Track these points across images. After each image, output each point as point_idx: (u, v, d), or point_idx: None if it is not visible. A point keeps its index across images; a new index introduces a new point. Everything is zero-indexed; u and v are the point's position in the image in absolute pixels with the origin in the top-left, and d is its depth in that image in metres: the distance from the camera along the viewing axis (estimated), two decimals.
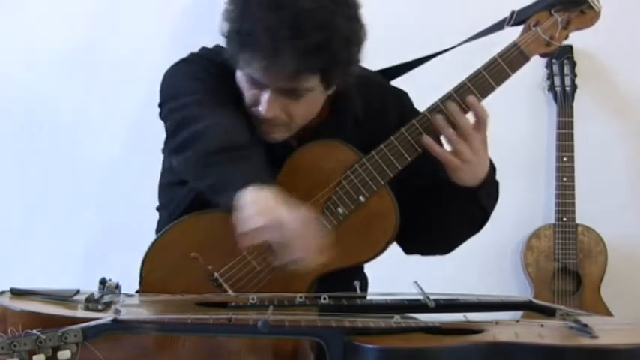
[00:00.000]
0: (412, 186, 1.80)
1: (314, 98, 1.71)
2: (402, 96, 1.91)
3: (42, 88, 2.88)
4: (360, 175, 1.73)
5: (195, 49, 1.85)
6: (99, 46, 2.87)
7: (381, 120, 1.79)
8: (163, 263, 1.73)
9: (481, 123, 1.74)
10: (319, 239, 1.54)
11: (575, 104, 2.99)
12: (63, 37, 2.85)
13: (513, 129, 3.04)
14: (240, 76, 1.72)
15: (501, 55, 1.77)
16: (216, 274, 1.71)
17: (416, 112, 1.80)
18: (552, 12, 1.80)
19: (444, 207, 1.81)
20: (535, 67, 3.05)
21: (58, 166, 2.86)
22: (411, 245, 1.90)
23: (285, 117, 1.70)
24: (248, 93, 1.71)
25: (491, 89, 1.76)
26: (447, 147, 1.76)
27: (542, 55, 1.83)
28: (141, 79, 2.69)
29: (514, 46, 1.78)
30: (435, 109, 1.75)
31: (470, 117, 1.76)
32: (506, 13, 1.82)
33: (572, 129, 2.96)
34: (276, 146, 1.75)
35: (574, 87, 3.00)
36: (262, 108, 1.68)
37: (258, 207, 1.51)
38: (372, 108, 1.84)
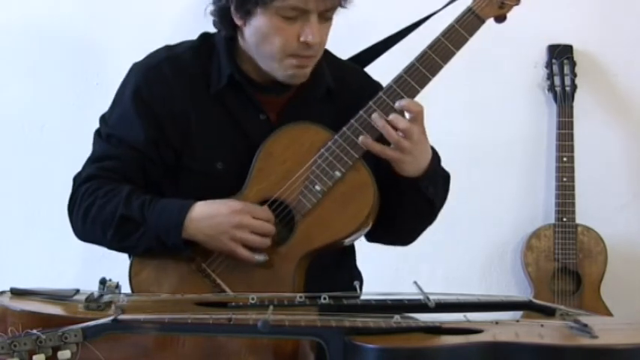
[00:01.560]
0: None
1: (331, 23, 1.78)
2: (380, 87, 1.93)
3: (42, 87, 2.88)
4: (334, 151, 1.76)
5: None
6: (98, 45, 2.87)
7: (357, 101, 1.80)
8: (150, 261, 1.78)
9: (416, 116, 1.75)
10: None
11: (575, 104, 2.99)
12: (62, 37, 2.85)
13: (513, 129, 3.05)
14: (264, 23, 1.72)
15: (458, 20, 1.81)
16: (203, 265, 1.76)
17: None
18: None
19: (391, 197, 1.82)
20: (535, 67, 3.05)
21: (58, 166, 2.85)
22: (370, 233, 1.90)
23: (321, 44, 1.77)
24: (284, 34, 1.72)
25: (452, 54, 1.80)
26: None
27: (497, 19, 1.86)
28: None
29: (469, 11, 1.82)
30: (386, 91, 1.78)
31: None
32: None
33: (572, 129, 2.96)
34: (255, 127, 1.80)
35: (574, 87, 3.00)
36: (311, 35, 1.72)
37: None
38: (348, 88, 1.88)
